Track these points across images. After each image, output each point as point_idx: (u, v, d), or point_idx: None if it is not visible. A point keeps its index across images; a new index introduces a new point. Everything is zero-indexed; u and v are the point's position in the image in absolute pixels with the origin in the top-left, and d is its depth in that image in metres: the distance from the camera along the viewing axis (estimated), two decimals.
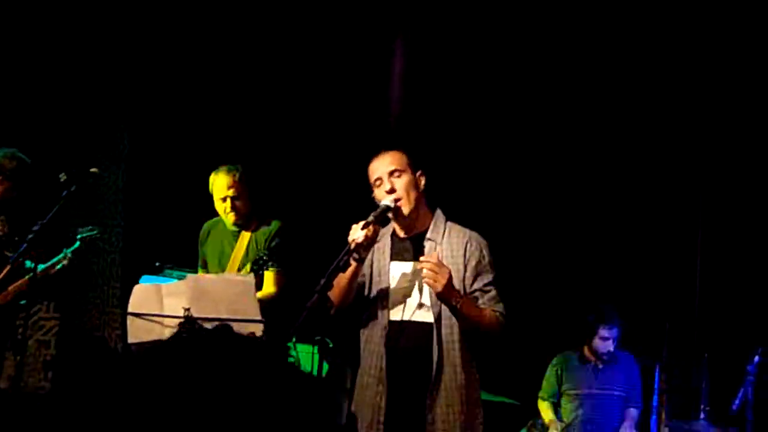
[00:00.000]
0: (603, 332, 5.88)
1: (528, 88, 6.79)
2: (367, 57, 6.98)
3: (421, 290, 3.74)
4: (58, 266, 5.15)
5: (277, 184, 6.68)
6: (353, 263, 3.69)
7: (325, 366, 5.83)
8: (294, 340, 5.53)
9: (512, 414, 5.93)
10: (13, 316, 5.15)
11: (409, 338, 3.71)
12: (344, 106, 7.00)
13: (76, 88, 6.59)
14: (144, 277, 5.33)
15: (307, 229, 6.13)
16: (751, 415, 5.17)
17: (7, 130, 5.85)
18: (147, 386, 1.66)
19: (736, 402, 5.21)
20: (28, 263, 4.95)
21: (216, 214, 5.11)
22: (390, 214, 3.79)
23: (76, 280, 6.28)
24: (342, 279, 3.71)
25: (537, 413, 6.08)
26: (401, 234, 3.86)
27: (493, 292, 3.77)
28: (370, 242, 3.69)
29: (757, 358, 5.18)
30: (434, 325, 3.70)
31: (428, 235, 3.81)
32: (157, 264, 5.60)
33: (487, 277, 3.78)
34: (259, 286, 4.67)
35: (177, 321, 4.05)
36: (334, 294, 3.73)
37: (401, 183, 3.77)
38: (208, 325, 3.85)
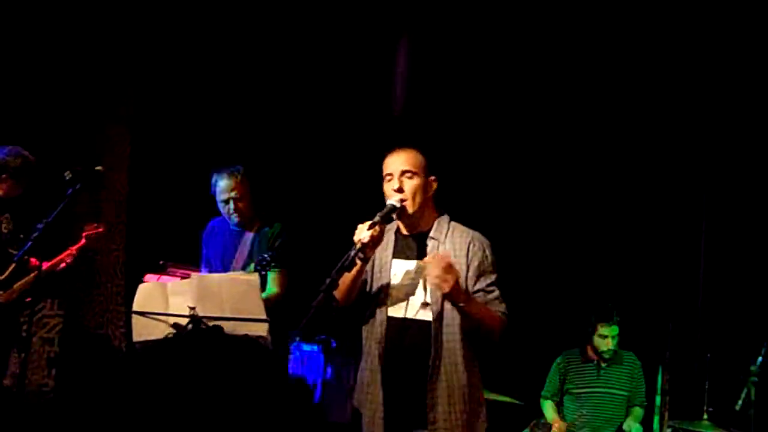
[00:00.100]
0: (601, 330, 5.90)
1: (529, 89, 6.80)
2: (371, 57, 6.99)
3: (422, 288, 3.75)
4: (63, 264, 5.17)
5: (280, 184, 6.69)
6: (358, 262, 3.70)
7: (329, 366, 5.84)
8: (298, 340, 5.54)
9: (515, 414, 5.93)
10: (18, 314, 5.17)
11: (409, 336, 3.72)
12: (347, 106, 7.01)
13: (81, 87, 6.60)
14: None
15: (309, 229, 6.14)
16: (754, 415, 5.16)
17: (12, 129, 5.85)
18: (150, 384, 1.66)
19: (739, 402, 5.20)
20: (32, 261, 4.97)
21: (218, 213, 5.11)
22: (394, 215, 3.80)
23: (80, 277, 6.30)
24: (346, 278, 3.71)
25: (540, 413, 6.09)
26: (405, 231, 3.87)
27: (496, 293, 3.78)
28: (375, 242, 3.70)
29: (760, 358, 5.18)
30: (433, 324, 3.71)
31: (431, 234, 3.82)
32: (161, 262, 5.61)
33: (490, 278, 3.79)
34: (262, 286, 4.68)
35: (182, 320, 4.06)
36: (338, 293, 3.73)
37: (410, 185, 3.77)
38: (211, 324, 3.86)
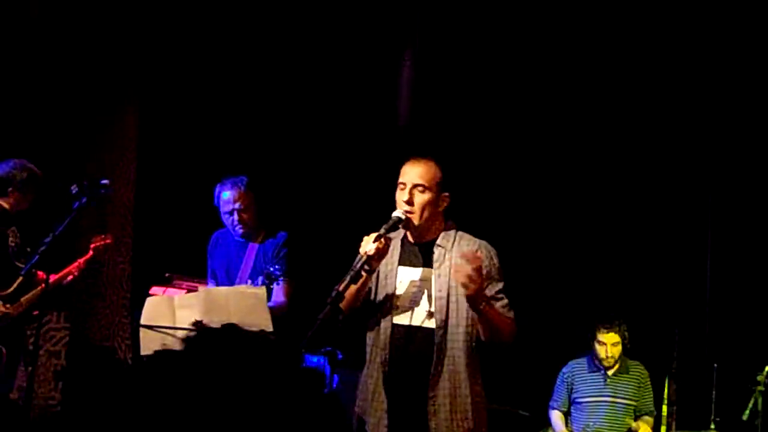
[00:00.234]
0: (599, 336, 5.88)
1: (534, 95, 6.80)
2: (377, 67, 7.00)
3: (428, 297, 3.76)
4: (70, 277, 5.18)
5: (285, 194, 6.70)
6: (363, 274, 3.71)
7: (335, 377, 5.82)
8: (304, 351, 5.53)
9: (522, 424, 5.92)
10: (25, 327, 5.17)
11: (413, 344, 3.73)
12: (351, 116, 7.02)
13: (87, 100, 6.61)
14: None
15: (314, 238, 6.15)
16: (761, 425, 5.15)
17: (17, 142, 5.87)
18: (156, 394, 1.65)
19: (747, 412, 5.20)
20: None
21: (223, 225, 5.12)
22: (400, 225, 3.80)
23: (86, 290, 6.30)
24: (352, 288, 3.72)
25: (547, 423, 6.07)
26: (411, 239, 3.87)
27: (505, 300, 3.80)
28: (381, 254, 3.71)
29: (767, 368, 5.17)
30: (437, 332, 3.71)
31: (438, 242, 3.82)
32: (166, 275, 5.61)
33: (498, 286, 3.80)
34: (268, 297, 4.68)
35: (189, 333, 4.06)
36: (343, 302, 3.74)
37: (420, 199, 3.77)
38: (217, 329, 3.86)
